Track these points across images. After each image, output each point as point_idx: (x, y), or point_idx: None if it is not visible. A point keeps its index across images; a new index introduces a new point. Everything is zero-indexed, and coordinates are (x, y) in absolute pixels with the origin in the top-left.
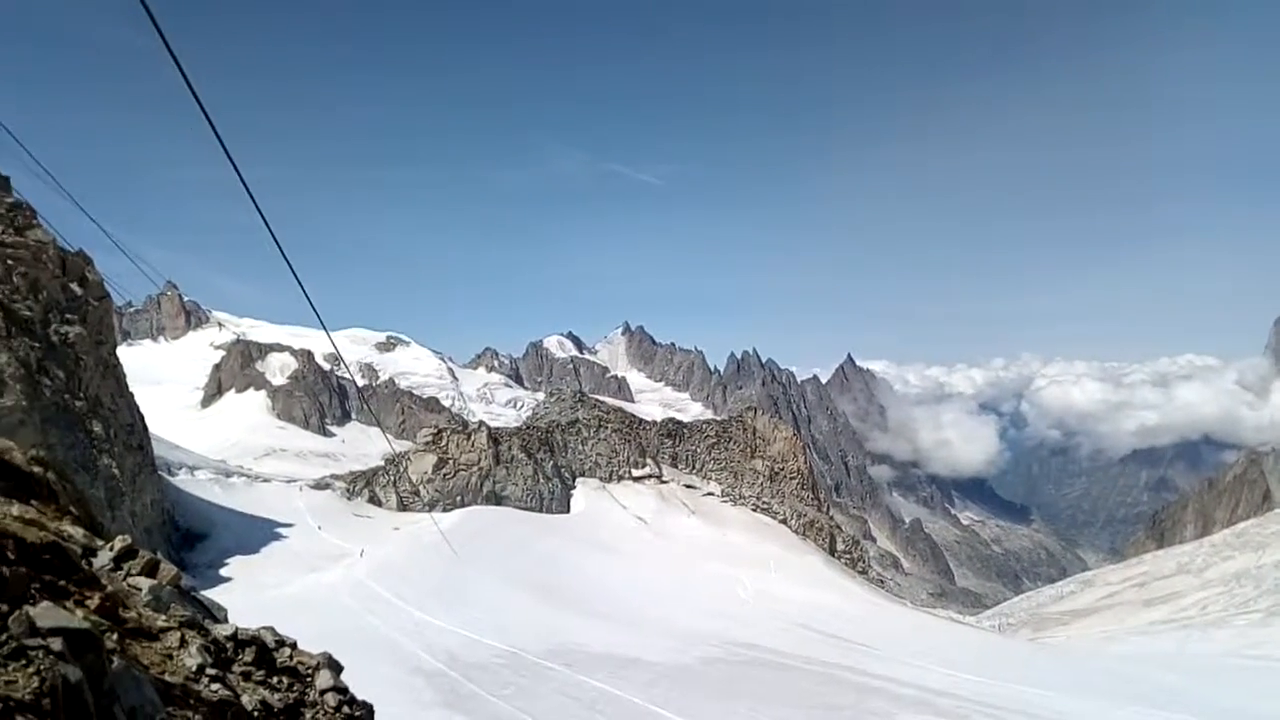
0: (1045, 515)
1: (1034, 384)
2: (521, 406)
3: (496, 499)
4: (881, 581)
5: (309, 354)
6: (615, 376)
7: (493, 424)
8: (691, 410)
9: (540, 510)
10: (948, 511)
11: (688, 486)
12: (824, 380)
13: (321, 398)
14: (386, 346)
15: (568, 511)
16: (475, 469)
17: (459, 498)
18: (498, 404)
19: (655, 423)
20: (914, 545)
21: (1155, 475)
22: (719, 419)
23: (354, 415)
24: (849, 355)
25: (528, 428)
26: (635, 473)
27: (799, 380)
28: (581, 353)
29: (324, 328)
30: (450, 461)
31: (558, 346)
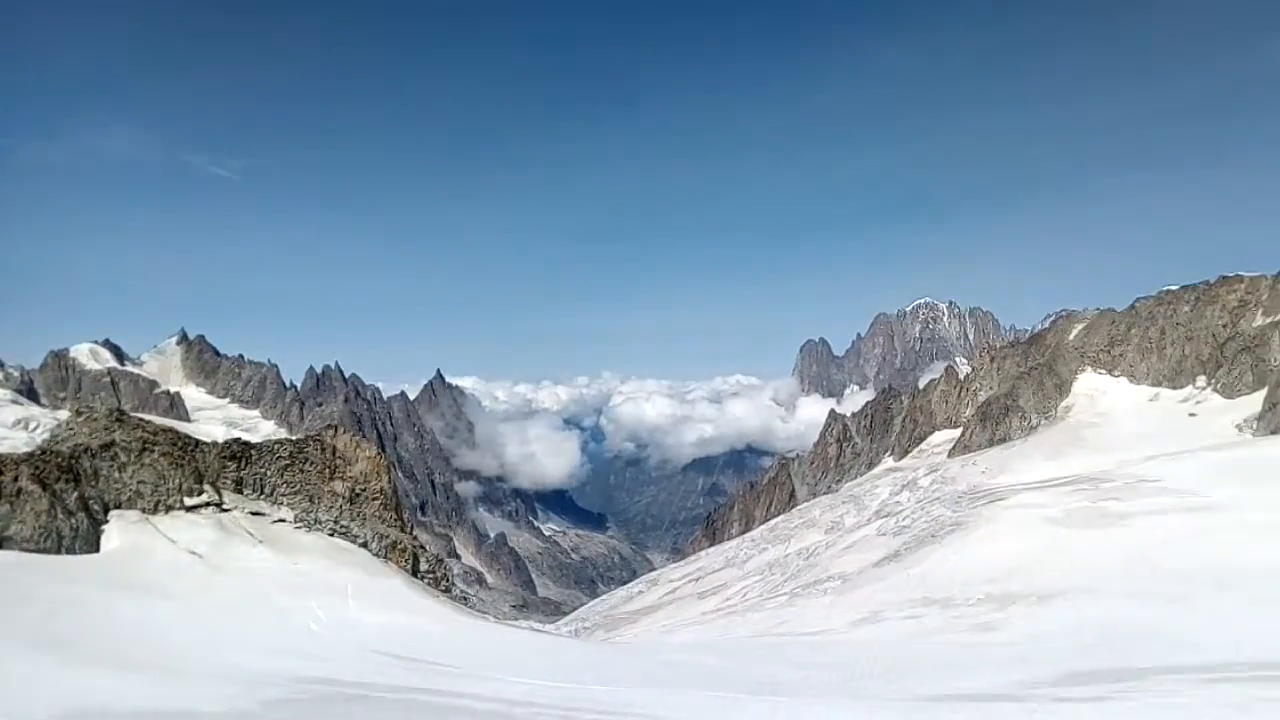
0: (619, 522)
1: (613, 400)
2: (36, 428)
3: None
4: (465, 598)
5: None
6: (167, 392)
7: None
8: (262, 429)
9: (58, 551)
10: (531, 524)
11: (254, 514)
12: (412, 397)
13: None
14: None
15: (96, 551)
16: None
17: None
18: (2, 426)
19: (216, 444)
20: (498, 559)
21: (710, 481)
22: (294, 439)
23: None
24: (438, 371)
25: (44, 453)
26: (189, 501)
27: (385, 397)
28: (123, 364)
29: None
30: None
31: (90, 357)
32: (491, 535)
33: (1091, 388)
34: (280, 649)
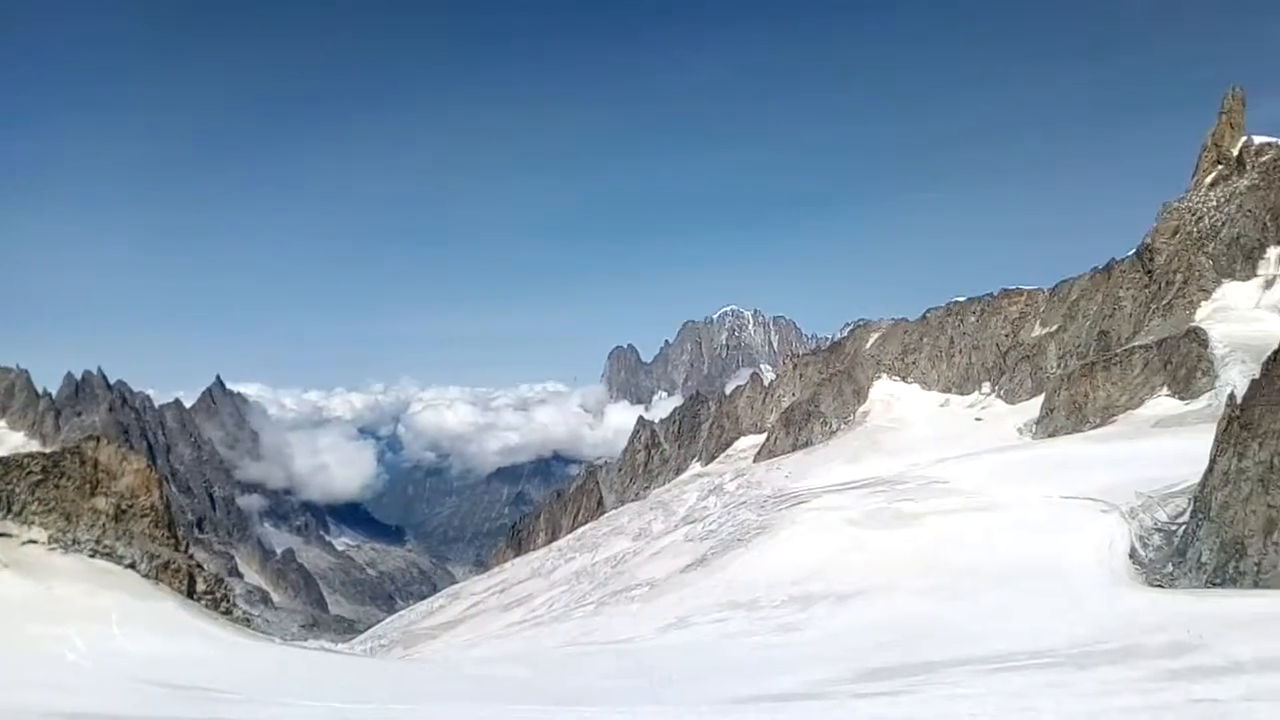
0: (418, 535)
1: (411, 408)
2: None
3: None
4: (248, 620)
5: None
6: None
7: None
8: (10, 442)
9: None
10: (322, 539)
11: (0, 535)
12: (188, 405)
13: None
14: None
15: None
16: None
17: None
18: None
19: None
20: (285, 577)
21: (515, 490)
22: (48, 451)
23: None
24: (218, 377)
25: None
26: None
27: (157, 405)
28: None
29: None
30: None
31: None
32: (278, 551)
33: (887, 394)
34: (31, 682)
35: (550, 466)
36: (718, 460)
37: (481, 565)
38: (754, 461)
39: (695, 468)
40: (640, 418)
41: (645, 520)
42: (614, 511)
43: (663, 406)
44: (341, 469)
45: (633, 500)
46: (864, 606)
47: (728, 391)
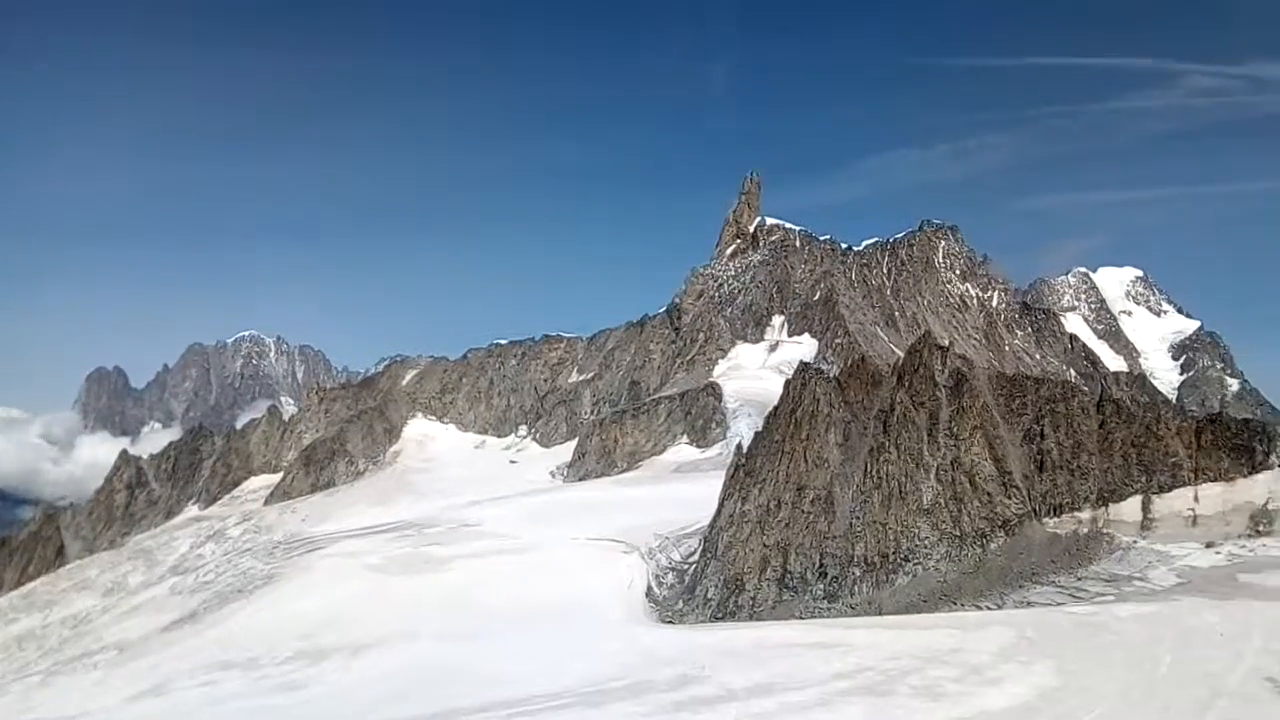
0: None
1: None
2: None
3: None
4: None
5: None
6: None
7: None
8: None
9: None
10: None
11: None
12: None
13: None
14: None
15: None
16: None
17: None
18: None
19: None
20: None
21: None
22: None
23: None
24: None
25: None
26: None
27: None
28: None
29: None
30: None
31: None
32: None
33: (421, 433)
34: None
35: None
36: (221, 503)
37: None
38: (265, 504)
39: (192, 510)
40: (123, 452)
41: (121, 572)
42: (80, 563)
43: (155, 440)
44: None
45: (106, 549)
46: (382, 656)
47: (239, 425)
